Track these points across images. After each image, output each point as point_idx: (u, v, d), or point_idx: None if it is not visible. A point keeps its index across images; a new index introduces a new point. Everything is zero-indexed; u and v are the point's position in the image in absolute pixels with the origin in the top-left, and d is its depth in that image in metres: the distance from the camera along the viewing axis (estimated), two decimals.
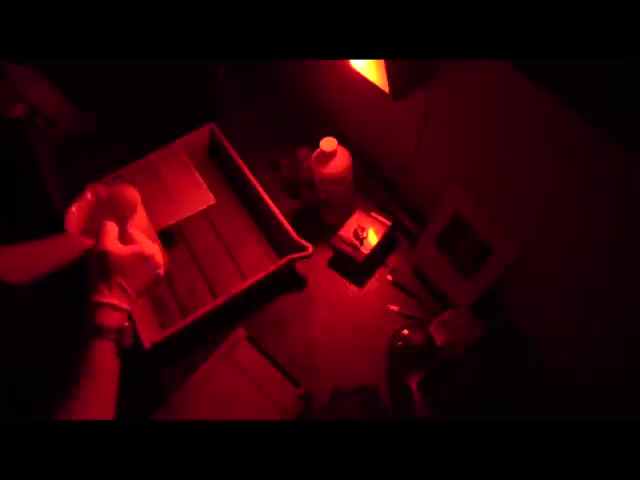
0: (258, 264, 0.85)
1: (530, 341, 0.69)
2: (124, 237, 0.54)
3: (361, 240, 0.80)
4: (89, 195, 0.60)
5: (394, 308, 0.79)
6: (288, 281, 0.84)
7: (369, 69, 0.61)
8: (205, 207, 0.87)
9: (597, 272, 0.52)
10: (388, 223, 0.82)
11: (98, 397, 0.48)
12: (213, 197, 0.87)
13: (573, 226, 0.52)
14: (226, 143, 0.97)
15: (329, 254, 0.86)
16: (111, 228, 0.53)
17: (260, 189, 0.88)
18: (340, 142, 0.78)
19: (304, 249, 0.79)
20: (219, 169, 1.02)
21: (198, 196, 0.88)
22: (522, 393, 0.66)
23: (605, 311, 0.54)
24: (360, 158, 0.91)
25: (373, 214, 0.84)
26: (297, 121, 1.08)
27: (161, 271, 0.57)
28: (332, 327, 0.79)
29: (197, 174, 0.91)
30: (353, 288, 0.83)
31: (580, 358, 0.62)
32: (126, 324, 0.52)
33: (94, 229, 0.54)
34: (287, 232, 0.82)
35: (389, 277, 0.82)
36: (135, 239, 0.54)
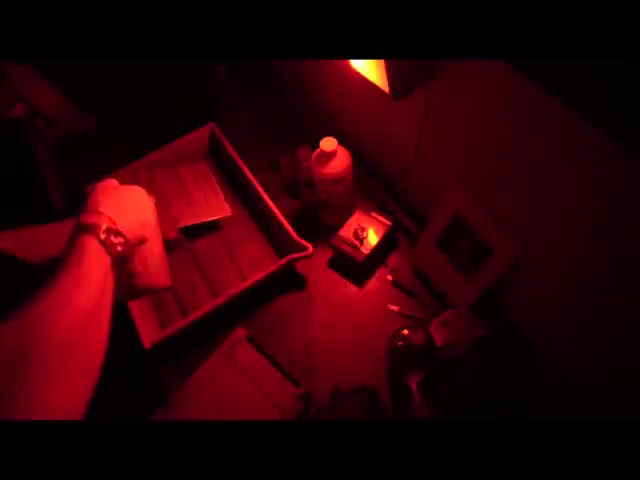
0: (258, 264, 0.85)
1: (530, 341, 0.69)
2: None
3: (361, 240, 0.80)
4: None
5: (394, 308, 0.79)
6: (288, 281, 0.84)
7: (369, 69, 0.61)
8: (221, 217, 0.91)
9: (597, 272, 0.52)
10: (388, 223, 0.82)
11: (79, 290, 0.41)
12: (230, 209, 0.91)
13: (573, 226, 0.52)
14: (226, 143, 0.97)
15: (329, 254, 0.86)
16: (109, 181, 0.53)
17: (260, 189, 0.88)
18: (340, 142, 0.78)
19: (304, 249, 0.79)
20: (219, 169, 1.02)
21: (216, 205, 0.93)
22: (522, 393, 0.66)
23: (605, 311, 0.54)
24: (360, 158, 0.91)
25: (373, 214, 0.84)
26: (297, 121, 1.08)
27: (152, 217, 0.56)
28: (332, 327, 0.79)
29: (217, 186, 0.97)
30: (353, 288, 0.83)
31: (580, 358, 0.62)
32: (115, 229, 0.48)
33: None
34: (287, 232, 0.82)
35: (389, 277, 0.82)
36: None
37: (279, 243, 0.87)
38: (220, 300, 0.75)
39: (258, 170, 0.93)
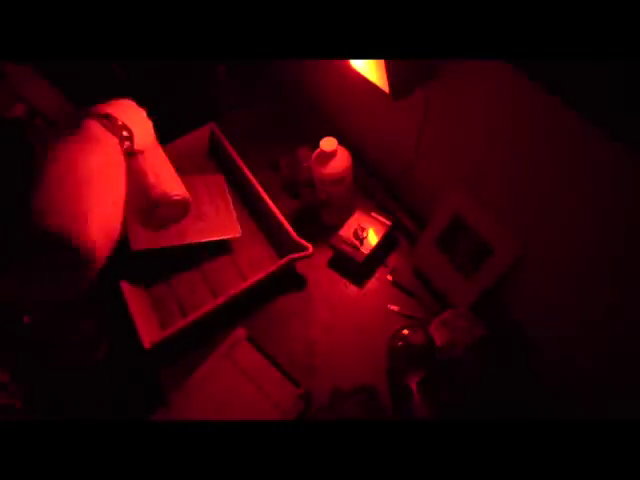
0: (258, 264, 0.85)
1: (530, 341, 0.69)
2: None
3: (361, 240, 0.80)
4: None
5: (394, 308, 0.79)
6: (288, 281, 0.84)
7: (369, 69, 0.61)
8: (229, 237, 0.86)
9: (597, 272, 0.52)
10: (388, 223, 0.82)
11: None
12: (240, 230, 0.87)
13: (573, 226, 0.52)
14: (226, 143, 0.97)
15: (329, 254, 0.86)
16: None
17: (260, 189, 0.88)
18: (340, 142, 0.78)
19: (304, 249, 0.79)
20: (219, 169, 1.02)
21: (227, 224, 0.88)
22: (522, 393, 0.66)
23: (605, 311, 0.54)
24: (360, 158, 0.91)
25: (373, 214, 0.84)
26: (297, 121, 1.08)
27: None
28: (332, 327, 0.79)
29: (231, 204, 0.91)
30: (353, 288, 0.83)
31: (580, 358, 0.62)
32: (120, 119, 0.52)
33: None
34: (287, 232, 0.82)
35: (389, 277, 0.82)
36: None
37: (279, 243, 0.87)
38: (220, 300, 0.75)
39: (258, 170, 0.93)
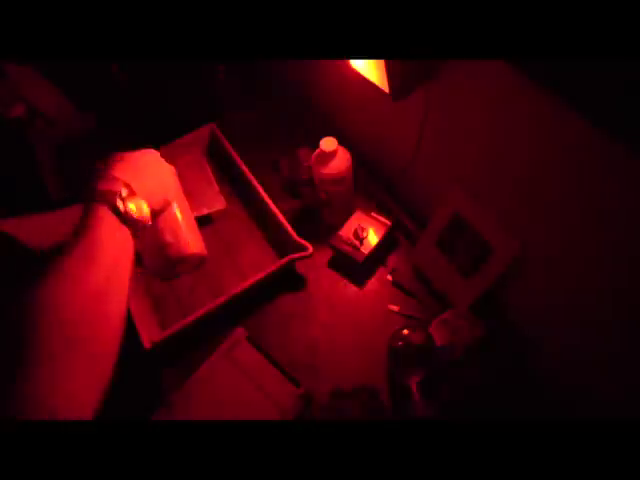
0: (258, 264, 0.85)
1: (530, 341, 0.69)
2: None
3: (361, 240, 0.80)
4: None
5: (394, 308, 0.79)
6: (288, 281, 0.84)
7: (369, 69, 0.61)
8: (216, 210, 0.90)
9: (597, 272, 0.52)
10: (388, 223, 0.82)
11: (94, 266, 0.38)
12: (224, 202, 0.90)
13: (574, 226, 0.52)
14: (226, 143, 0.97)
15: (329, 254, 0.86)
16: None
17: (260, 189, 0.88)
18: (340, 142, 0.78)
19: (304, 249, 0.79)
20: (219, 169, 1.02)
21: (210, 198, 0.90)
22: (522, 393, 0.66)
23: (605, 311, 0.54)
24: (360, 158, 0.91)
25: (373, 214, 0.84)
26: (297, 121, 1.08)
27: (174, 180, 0.55)
28: (332, 327, 0.79)
29: (212, 177, 0.94)
30: (353, 288, 0.83)
31: (580, 358, 0.62)
32: (131, 194, 0.45)
33: None
34: (287, 232, 0.82)
35: (389, 277, 0.82)
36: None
37: (279, 243, 0.87)
38: (220, 300, 0.75)
39: (258, 170, 0.93)
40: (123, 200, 0.43)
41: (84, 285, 0.37)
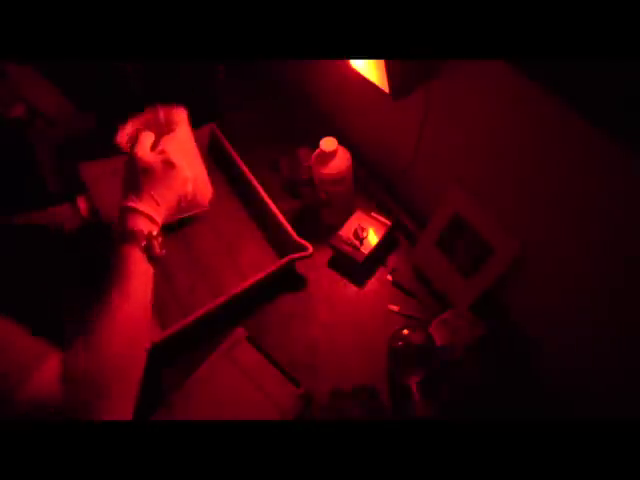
0: (258, 264, 0.85)
1: (530, 341, 0.69)
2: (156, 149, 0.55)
3: (361, 240, 0.80)
4: (145, 114, 0.62)
5: (394, 308, 0.79)
6: (288, 281, 0.84)
7: (369, 69, 0.61)
8: (197, 211, 0.87)
9: (597, 272, 0.52)
10: (388, 223, 0.82)
11: (129, 305, 0.45)
12: (211, 190, 0.88)
13: (573, 226, 0.52)
14: (226, 143, 0.97)
15: (329, 254, 0.86)
16: (145, 137, 0.55)
17: (260, 189, 0.88)
18: (340, 142, 0.78)
19: (304, 249, 0.79)
20: (219, 169, 1.02)
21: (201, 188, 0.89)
22: (522, 393, 0.66)
23: (605, 311, 0.54)
24: (360, 158, 0.91)
25: (373, 214, 0.84)
26: (297, 121, 1.08)
27: (189, 187, 0.57)
28: (332, 327, 0.79)
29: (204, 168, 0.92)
30: (353, 288, 0.83)
31: (580, 358, 0.62)
32: (155, 232, 0.51)
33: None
34: (287, 232, 0.82)
35: (389, 277, 0.82)
36: (165, 151, 0.54)
37: (279, 243, 0.87)
38: (220, 300, 0.75)
39: (258, 170, 0.93)
40: (148, 239, 0.49)
41: (124, 321, 0.45)
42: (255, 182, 0.90)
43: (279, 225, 0.83)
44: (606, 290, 0.52)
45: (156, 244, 0.50)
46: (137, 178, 0.51)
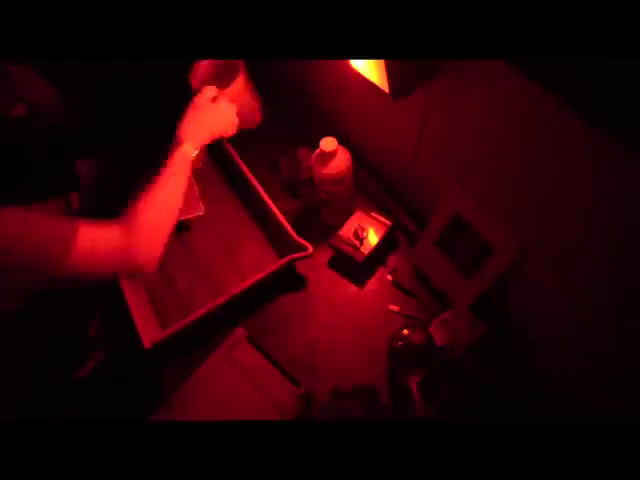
0: (258, 264, 0.85)
1: (530, 341, 0.69)
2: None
3: (361, 240, 0.80)
4: (214, 61, 0.75)
5: (394, 308, 0.79)
6: (288, 281, 0.84)
7: (369, 69, 0.61)
8: (193, 216, 0.90)
9: (597, 272, 0.52)
10: (388, 223, 0.82)
11: (175, 183, 0.64)
12: (203, 208, 0.91)
13: (573, 226, 0.52)
14: (226, 143, 0.97)
15: (329, 254, 0.86)
16: (208, 90, 0.69)
17: (260, 189, 0.88)
18: (340, 142, 0.78)
19: (304, 249, 0.79)
20: (219, 169, 1.02)
21: (189, 202, 0.87)
22: (522, 393, 0.66)
23: (605, 311, 0.54)
24: (360, 158, 0.91)
25: (373, 214, 0.84)
26: (297, 121, 1.08)
27: (233, 130, 0.76)
28: (332, 327, 0.79)
29: (193, 179, 0.92)
30: (353, 288, 0.83)
31: (580, 358, 0.62)
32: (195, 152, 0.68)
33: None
34: (287, 232, 0.82)
35: (389, 277, 0.82)
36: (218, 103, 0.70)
37: (279, 243, 0.87)
38: (220, 300, 0.75)
39: (258, 170, 0.93)
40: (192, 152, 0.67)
41: (172, 196, 0.64)
42: (255, 182, 0.90)
43: (279, 225, 0.83)
44: (606, 290, 0.52)
45: (196, 157, 0.68)
46: (190, 115, 0.69)
